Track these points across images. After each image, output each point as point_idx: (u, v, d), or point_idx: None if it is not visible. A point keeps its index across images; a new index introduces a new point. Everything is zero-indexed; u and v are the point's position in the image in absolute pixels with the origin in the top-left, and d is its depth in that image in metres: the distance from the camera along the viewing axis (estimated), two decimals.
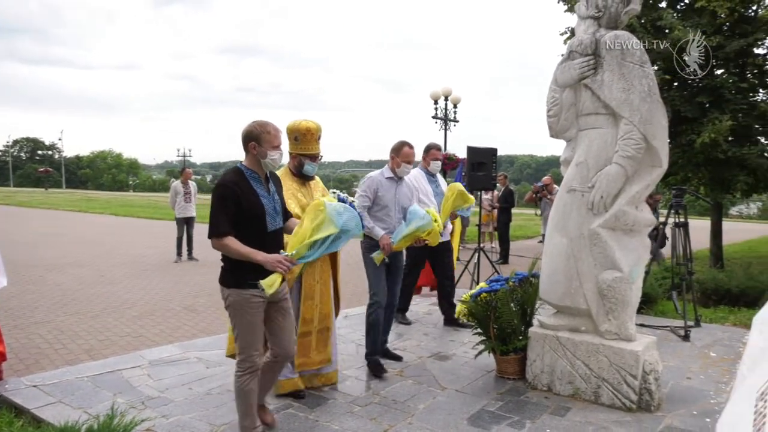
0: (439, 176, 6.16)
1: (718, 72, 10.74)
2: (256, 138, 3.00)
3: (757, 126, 10.54)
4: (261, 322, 3.08)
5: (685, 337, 5.61)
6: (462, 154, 11.09)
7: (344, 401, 3.95)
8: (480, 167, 8.03)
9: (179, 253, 11.42)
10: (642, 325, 5.77)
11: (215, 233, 2.93)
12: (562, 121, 4.10)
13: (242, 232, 2.94)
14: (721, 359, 5.04)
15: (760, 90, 10.95)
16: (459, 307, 4.60)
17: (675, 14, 10.69)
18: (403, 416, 3.69)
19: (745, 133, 10.41)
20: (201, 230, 14.60)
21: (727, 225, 13.66)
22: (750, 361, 3.43)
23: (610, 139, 3.85)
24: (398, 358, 4.79)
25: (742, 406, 2.75)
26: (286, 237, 3.26)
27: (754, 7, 10.54)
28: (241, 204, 2.93)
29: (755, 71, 10.82)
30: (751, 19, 10.40)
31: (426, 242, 4.57)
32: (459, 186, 5.75)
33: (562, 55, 4.15)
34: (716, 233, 11.84)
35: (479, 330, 4.46)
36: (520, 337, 4.33)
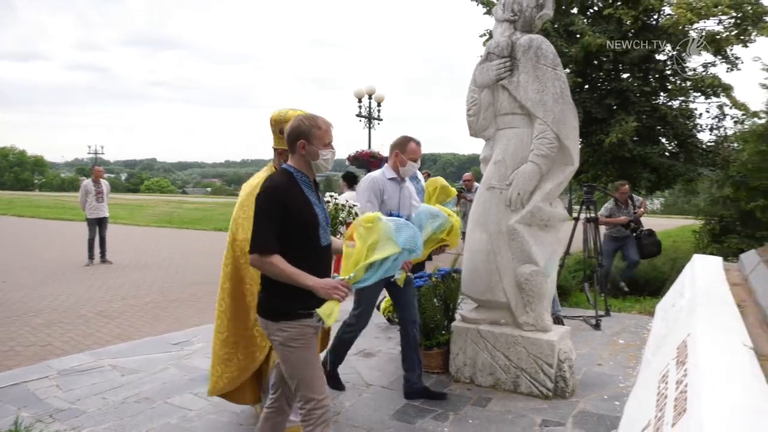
0: (419, 173, 5.82)
1: (625, 76, 11.43)
2: (305, 135, 2.53)
3: (658, 127, 11.32)
4: (317, 356, 2.61)
5: (596, 326, 5.94)
6: (386, 152, 11.18)
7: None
8: None
9: (91, 256, 10.82)
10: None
11: (259, 249, 2.41)
12: (481, 120, 4.22)
13: (290, 247, 2.45)
14: (628, 345, 5.37)
15: (661, 93, 11.75)
16: (384, 305, 4.64)
17: (585, 20, 11.26)
18: (329, 415, 3.67)
19: (648, 134, 11.15)
20: (115, 231, 13.94)
21: None
22: (654, 346, 3.66)
23: (526, 139, 4.01)
24: (442, 396, 4.00)
25: (646, 388, 2.93)
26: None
27: (656, 16, 11.29)
28: (292, 213, 2.47)
29: (657, 76, 11.60)
30: (653, 27, 11.13)
31: (447, 245, 4.13)
32: (441, 180, 5.48)
33: (482, 56, 4.27)
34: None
35: None
36: (443, 332, 4.42)
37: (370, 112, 16.13)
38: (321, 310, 2.35)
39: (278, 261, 2.40)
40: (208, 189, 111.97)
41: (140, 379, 4.28)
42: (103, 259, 10.97)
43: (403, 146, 3.99)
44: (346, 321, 4.08)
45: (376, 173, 4.01)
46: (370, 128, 16.18)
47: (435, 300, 4.43)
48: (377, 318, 5.95)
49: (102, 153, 65.65)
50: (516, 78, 3.99)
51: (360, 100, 15.83)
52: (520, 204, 4.03)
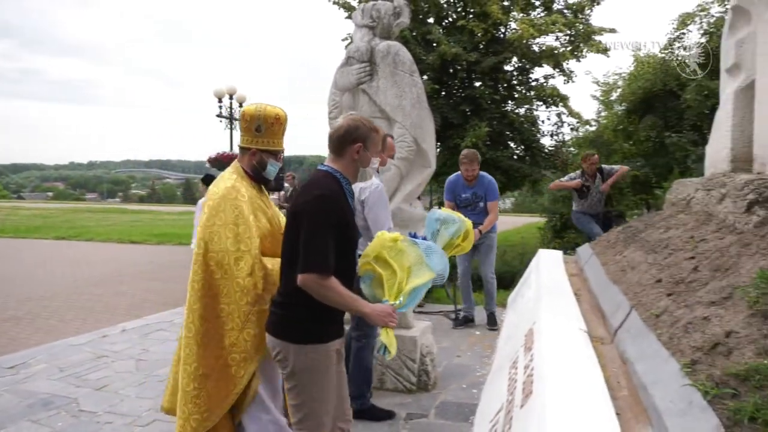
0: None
1: (477, 84, 12.21)
2: (363, 138, 2.27)
3: (507, 132, 12.24)
4: (335, 384, 2.35)
5: (456, 320, 6.26)
6: None
7: (122, 422, 3.62)
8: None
9: None
10: (419, 312, 6.29)
11: (319, 269, 2.09)
12: None
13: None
14: (484, 336, 5.73)
15: (509, 101, 12.71)
16: None
17: (441, 30, 11.85)
18: None
19: (498, 139, 12.01)
20: None
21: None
22: (506, 336, 3.91)
23: None
24: (390, 415, 3.77)
25: (500, 375, 3.14)
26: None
27: (503, 30, 12.20)
28: (342, 226, 2.20)
29: (505, 85, 12.53)
30: (502, 40, 12.01)
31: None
32: None
33: (342, 60, 4.33)
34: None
35: None
36: None
37: (231, 113, 15.60)
38: (385, 340, 2.15)
39: (336, 284, 2.12)
40: (50, 193, 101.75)
41: None
42: None
43: (382, 144, 3.72)
44: (352, 335, 3.66)
45: (376, 181, 3.60)
46: (231, 129, 15.66)
47: None
48: None
49: None
50: (376, 83, 4.09)
51: (220, 100, 15.26)
52: None
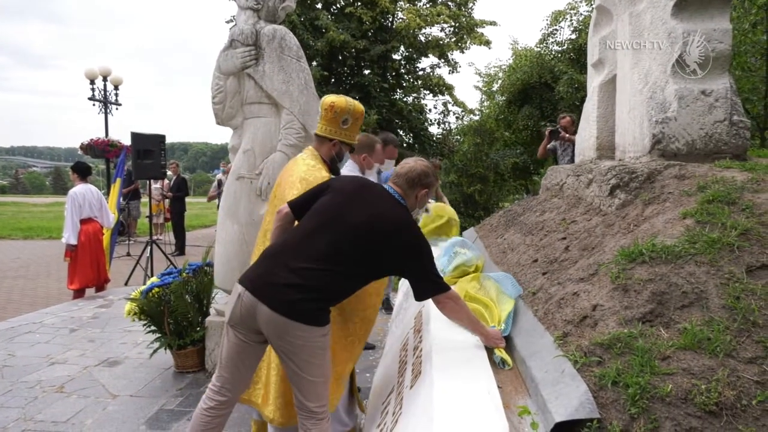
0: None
1: (366, 72, 12.31)
2: (431, 185, 2.54)
3: (397, 120, 12.47)
4: None
5: None
6: (126, 140, 10.24)
7: None
8: (147, 155, 7.53)
9: None
10: None
11: (446, 286, 2.32)
12: (228, 108, 4.12)
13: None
14: (379, 320, 5.83)
15: (398, 90, 12.96)
16: (128, 306, 4.25)
17: (330, 16, 11.79)
18: None
19: (388, 126, 12.21)
20: None
21: None
22: (396, 320, 4.00)
23: (273, 128, 4.03)
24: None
25: (390, 357, 3.21)
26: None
27: (391, 18, 12.37)
28: None
29: (393, 74, 12.74)
30: (389, 29, 12.18)
31: None
32: (449, 210, 4.93)
33: (226, 43, 4.16)
34: None
35: (153, 327, 4.21)
36: (198, 329, 4.24)
37: (105, 96, 14.48)
38: (502, 356, 2.29)
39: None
40: None
41: None
42: None
43: (372, 150, 4.10)
44: None
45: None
46: (106, 113, 14.55)
47: (187, 296, 4.21)
48: (124, 323, 5.45)
49: None
50: (261, 67, 3.98)
51: (93, 82, 14.08)
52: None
